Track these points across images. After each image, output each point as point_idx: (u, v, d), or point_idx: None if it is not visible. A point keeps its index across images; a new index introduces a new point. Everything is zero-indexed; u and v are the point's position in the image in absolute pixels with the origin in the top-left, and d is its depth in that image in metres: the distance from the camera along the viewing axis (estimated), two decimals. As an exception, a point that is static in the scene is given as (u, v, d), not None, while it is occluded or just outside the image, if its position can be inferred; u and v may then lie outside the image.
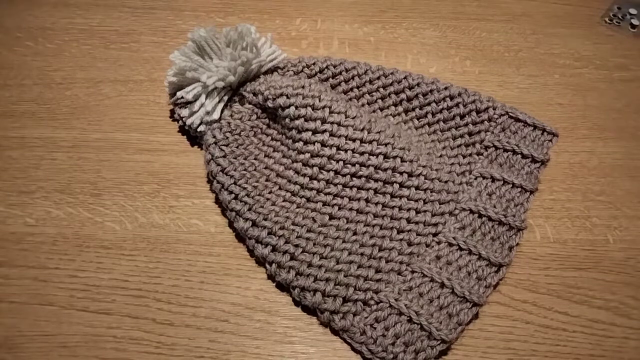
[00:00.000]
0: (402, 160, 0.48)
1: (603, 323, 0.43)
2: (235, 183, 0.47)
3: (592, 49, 0.63)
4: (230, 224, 0.48)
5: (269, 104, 0.49)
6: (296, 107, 0.48)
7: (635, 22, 0.65)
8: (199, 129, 0.50)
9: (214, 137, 0.49)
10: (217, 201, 0.49)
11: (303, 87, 0.49)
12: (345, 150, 0.47)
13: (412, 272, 0.44)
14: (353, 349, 0.42)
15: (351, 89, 0.55)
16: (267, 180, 0.48)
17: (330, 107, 0.48)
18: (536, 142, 0.51)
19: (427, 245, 0.46)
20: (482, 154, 0.51)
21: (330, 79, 0.55)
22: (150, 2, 0.66)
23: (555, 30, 0.65)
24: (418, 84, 0.53)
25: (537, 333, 0.43)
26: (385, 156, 0.47)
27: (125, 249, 0.46)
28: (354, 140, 0.47)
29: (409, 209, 0.47)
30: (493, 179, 0.49)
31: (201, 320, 0.43)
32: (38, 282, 0.44)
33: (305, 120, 0.48)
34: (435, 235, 0.46)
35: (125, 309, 0.43)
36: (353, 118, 0.48)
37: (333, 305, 0.42)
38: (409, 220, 0.46)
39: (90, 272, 0.45)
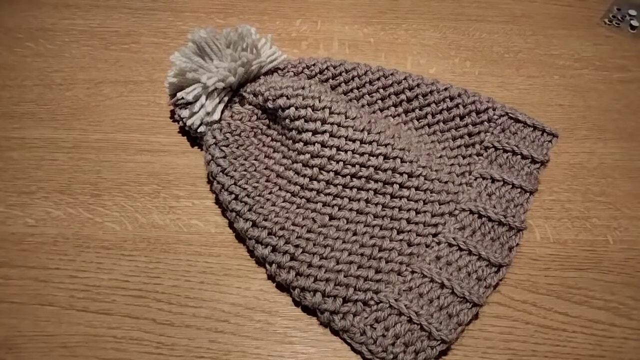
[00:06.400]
0: (402, 161, 0.48)
1: (603, 323, 0.43)
2: (235, 184, 0.47)
3: (592, 50, 0.63)
4: (231, 225, 0.48)
5: (269, 104, 0.49)
6: (296, 108, 0.48)
7: (634, 23, 0.65)
8: (199, 130, 0.51)
9: (214, 137, 0.49)
10: (218, 202, 0.49)
11: (303, 88, 0.49)
12: (345, 151, 0.47)
13: (412, 272, 0.44)
14: (353, 349, 0.42)
15: (351, 90, 0.55)
16: (267, 180, 0.48)
17: (330, 108, 0.48)
18: (536, 143, 0.51)
19: (427, 246, 0.46)
20: (482, 155, 0.51)
21: (330, 80, 0.55)
22: (151, 3, 0.66)
23: (555, 32, 0.65)
24: (418, 85, 0.53)
25: (537, 333, 0.43)
26: (385, 157, 0.48)
27: (126, 249, 0.46)
28: (354, 141, 0.48)
29: (408, 210, 0.47)
30: (493, 180, 0.49)
31: (201, 320, 0.43)
32: (38, 283, 0.44)
33: (305, 121, 0.48)
34: (435, 235, 0.46)
35: (126, 309, 0.43)
36: (353, 119, 0.48)
37: (333, 305, 0.42)
38: (408, 221, 0.47)
39: (90, 272, 0.45)
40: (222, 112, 0.51)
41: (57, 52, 0.61)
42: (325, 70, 0.55)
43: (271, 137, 0.51)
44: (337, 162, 0.47)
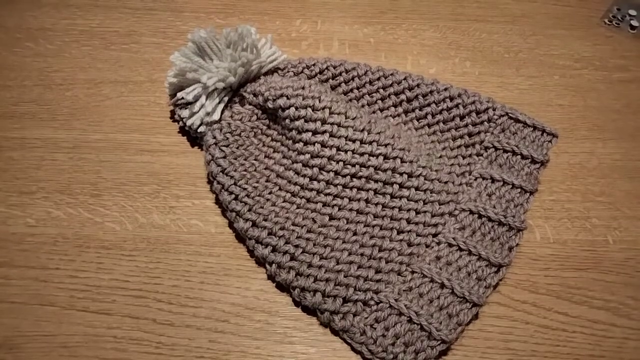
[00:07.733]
0: (402, 161, 0.48)
1: (603, 323, 0.43)
2: (235, 184, 0.47)
3: (592, 50, 0.63)
4: (231, 225, 0.48)
5: (269, 104, 0.49)
6: (296, 108, 0.48)
7: (634, 23, 0.65)
8: (199, 130, 0.51)
9: (214, 137, 0.49)
10: (218, 202, 0.49)
11: (303, 88, 0.49)
12: (345, 151, 0.47)
13: (412, 272, 0.44)
14: (353, 349, 0.42)
15: (351, 90, 0.55)
16: (267, 180, 0.49)
17: (330, 108, 0.48)
18: (536, 143, 0.51)
19: (427, 246, 0.46)
20: (481, 155, 0.51)
21: (331, 80, 0.55)
22: (151, 3, 0.66)
23: (555, 32, 0.65)
24: (418, 85, 0.53)
25: (537, 333, 0.43)
26: (385, 157, 0.48)
27: (126, 249, 0.46)
28: (354, 141, 0.48)
29: (408, 210, 0.47)
30: (493, 180, 0.49)
31: (201, 320, 0.43)
32: (38, 283, 0.44)
33: (305, 121, 0.48)
34: (435, 235, 0.46)
35: (126, 309, 0.43)
36: (353, 119, 0.48)
37: (333, 305, 0.42)
38: (408, 221, 0.47)
39: (90, 272, 0.45)
40: (222, 112, 0.51)
41: (57, 52, 0.61)
42: (325, 70, 0.55)
43: (271, 137, 0.51)
44: (337, 162, 0.47)
